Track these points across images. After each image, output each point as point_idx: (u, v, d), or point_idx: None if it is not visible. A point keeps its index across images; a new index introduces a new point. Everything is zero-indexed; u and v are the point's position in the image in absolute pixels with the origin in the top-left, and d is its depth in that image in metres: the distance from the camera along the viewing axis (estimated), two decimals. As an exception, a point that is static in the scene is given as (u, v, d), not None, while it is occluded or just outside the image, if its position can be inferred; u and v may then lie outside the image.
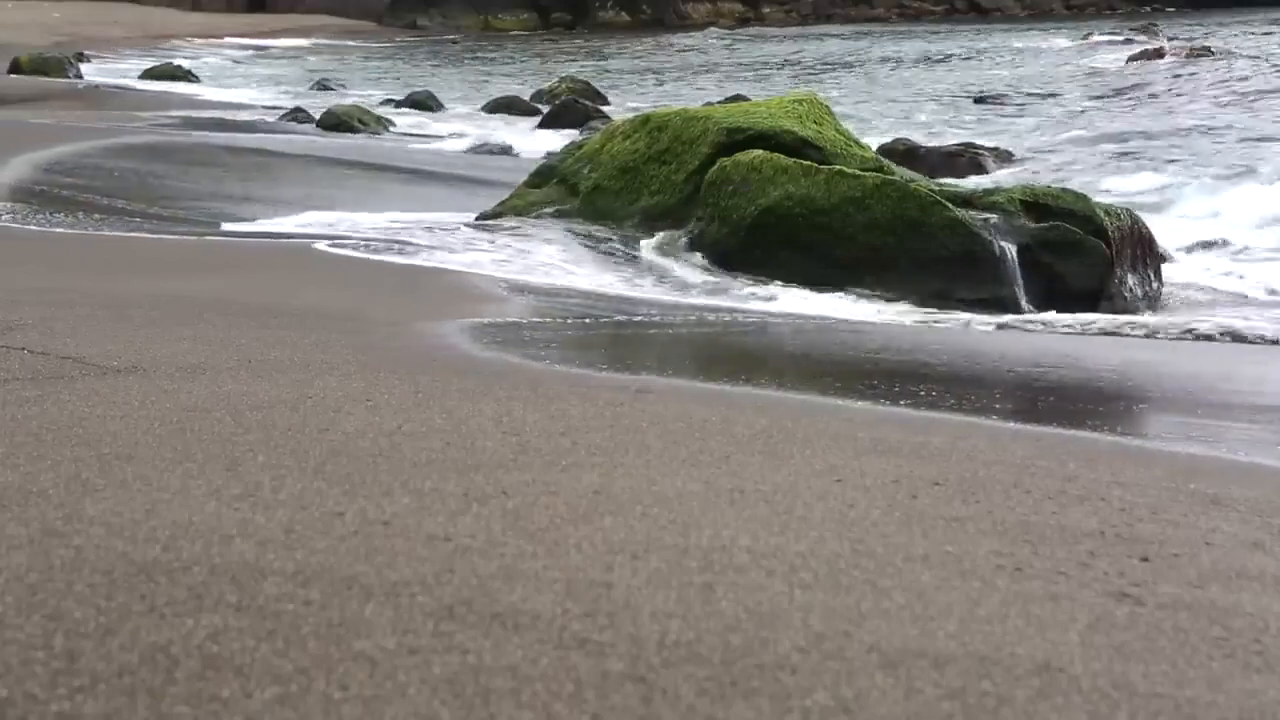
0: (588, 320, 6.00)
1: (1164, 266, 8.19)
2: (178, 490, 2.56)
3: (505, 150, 15.98)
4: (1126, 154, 15.19)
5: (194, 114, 18.36)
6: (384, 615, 1.99)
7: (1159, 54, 27.92)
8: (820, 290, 7.34)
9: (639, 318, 6.18)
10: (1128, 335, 6.62)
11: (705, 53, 41.47)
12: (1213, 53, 27.48)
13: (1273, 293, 8.16)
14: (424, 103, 22.47)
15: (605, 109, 21.05)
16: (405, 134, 18.38)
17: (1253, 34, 36.39)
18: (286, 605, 2.01)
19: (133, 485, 2.58)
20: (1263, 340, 6.50)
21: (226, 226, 8.78)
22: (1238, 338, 6.56)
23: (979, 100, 22.61)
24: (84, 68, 29.41)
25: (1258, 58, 26.57)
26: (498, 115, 21.59)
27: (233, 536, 2.29)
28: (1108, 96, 22.57)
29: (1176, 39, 32.85)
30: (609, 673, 1.84)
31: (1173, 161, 14.36)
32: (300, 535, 2.32)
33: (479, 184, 12.19)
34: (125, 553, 2.19)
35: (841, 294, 7.28)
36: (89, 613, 1.95)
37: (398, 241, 8.00)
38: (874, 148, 9.96)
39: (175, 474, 2.67)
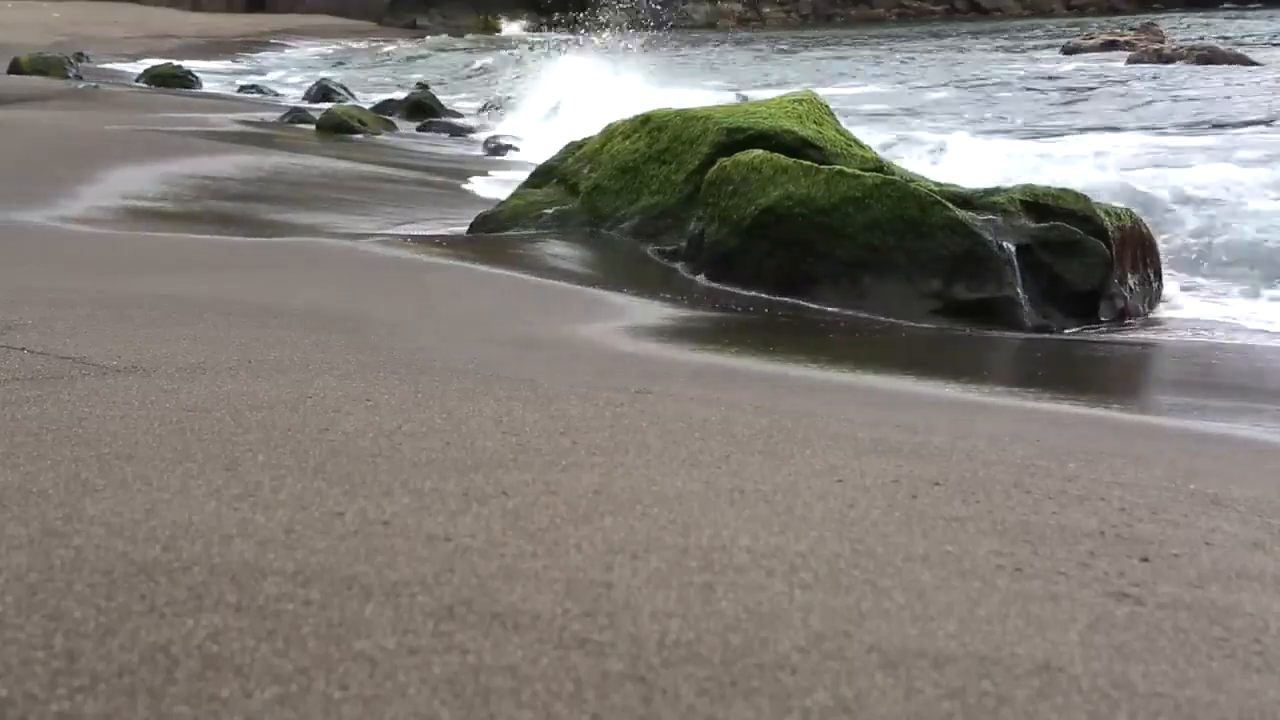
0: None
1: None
2: (178, 490, 2.56)
3: (505, 150, 15.99)
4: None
5: (181, 116, 18.33)
6: (384, 615, 1.99)
7: (1159, 55, 27.90)
8: (816, 289, 7.34)
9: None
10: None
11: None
12: (1222, 53, 27.41)
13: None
14: (424, 103, 22.45)
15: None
16: (405, 135, 18.38)
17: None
18: (286, 605, 2.01)
19: (133, 485, 2.57)
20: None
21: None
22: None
23: None
24: (84, 68, 29.38)
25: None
26: (497, 116, 21.58)
27: (233, 536, 2.29)
28: (1110, 95, 22.56)
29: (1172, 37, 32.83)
30: (609, 673, 1.84)
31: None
32: (300, 535, 2.32)
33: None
34: (125, 553, 2.19)
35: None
36: (89, 613, 1.95)
37: (396, 240, 8.00)
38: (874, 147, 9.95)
39: (175, 474, 2.66)
